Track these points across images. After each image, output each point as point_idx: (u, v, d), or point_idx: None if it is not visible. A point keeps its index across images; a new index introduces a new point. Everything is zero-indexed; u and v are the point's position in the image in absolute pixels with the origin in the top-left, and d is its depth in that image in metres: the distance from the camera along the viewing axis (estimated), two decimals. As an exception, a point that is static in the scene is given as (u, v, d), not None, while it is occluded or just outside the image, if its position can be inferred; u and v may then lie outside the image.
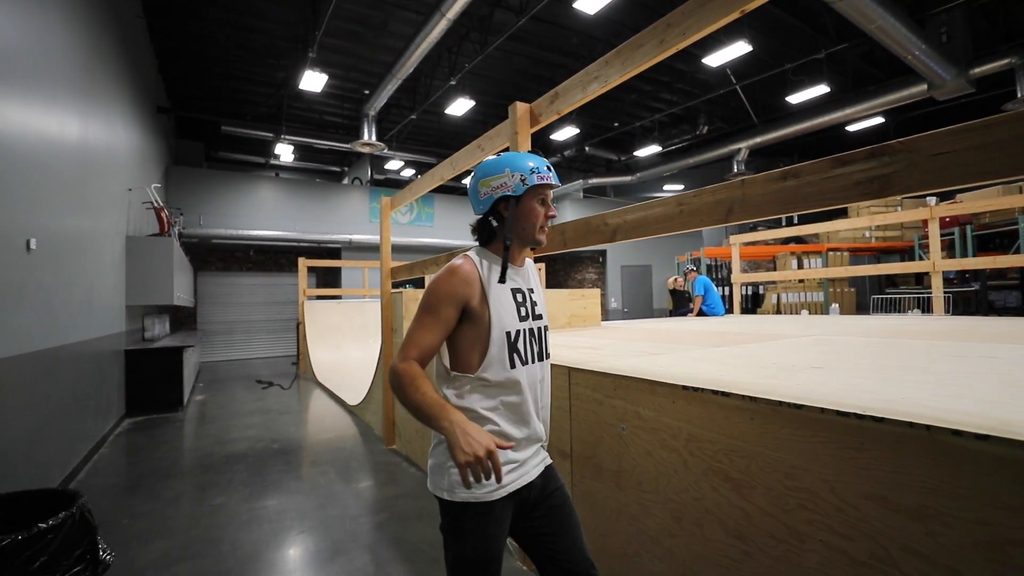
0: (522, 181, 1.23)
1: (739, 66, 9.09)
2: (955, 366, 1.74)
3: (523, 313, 1.26)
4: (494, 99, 10.43)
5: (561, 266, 15.98)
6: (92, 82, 4.40)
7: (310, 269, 11.85)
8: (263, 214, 11.00)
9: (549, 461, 1.33)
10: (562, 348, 2.61)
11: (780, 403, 1.22)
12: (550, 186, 1.26)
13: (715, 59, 8.03)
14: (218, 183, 10.60)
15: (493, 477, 1.05)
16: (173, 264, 6.00)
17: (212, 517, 2.88)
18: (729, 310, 7.96)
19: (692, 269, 7.27)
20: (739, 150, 11.27)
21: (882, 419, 1.03)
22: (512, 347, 1.21)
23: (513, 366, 1.21)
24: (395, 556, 2.42)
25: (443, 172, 2.97)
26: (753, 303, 10.82)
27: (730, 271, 7.02)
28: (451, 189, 15.61)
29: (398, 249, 11.83)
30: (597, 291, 4.50)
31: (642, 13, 7.67)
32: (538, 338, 1.29)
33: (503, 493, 1.17)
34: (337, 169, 14.58)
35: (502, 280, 1.22)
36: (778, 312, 9.92)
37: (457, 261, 1.23)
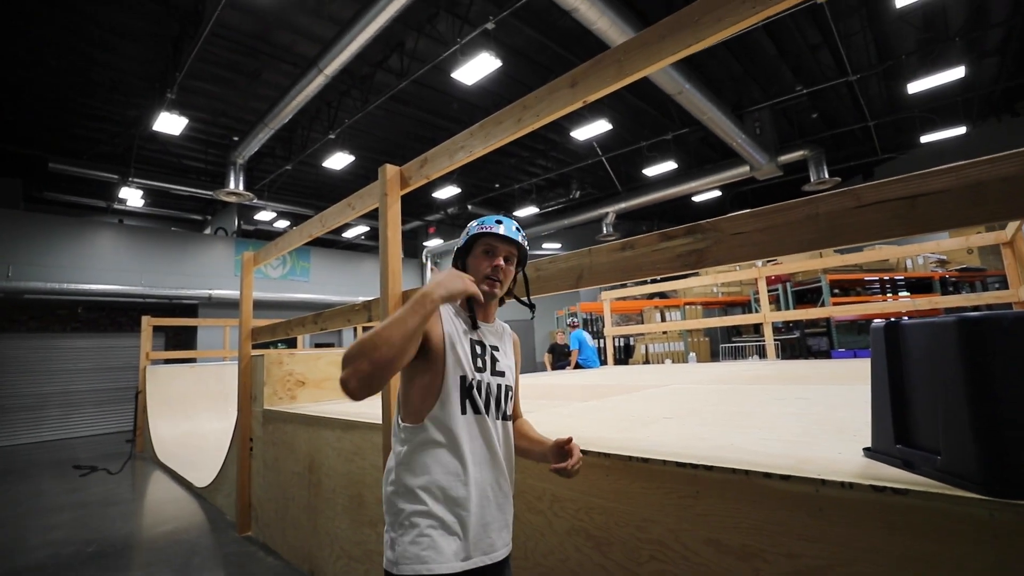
0: (466, 233, 1.30)
1: (603, 140, 10.23)
2: (775, 408, 2.00)
3: (480, 364, 1.21)
4: (376, 155, 10.44)
5: (447, 320, 15.89)
6: None
7: (158, 328, 10.35)
8: (99, 265, 9.51)
9: (510, 548, 1.22)
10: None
11: (630, 458, 1.29)
12: (494, 236, 1.27)
13: (581, 133, 8.96)
14: (40, 228, 9.01)
15: (452, 552, 1.06)
16: (-39, 326, 4.86)
17: (-19, 658, 2.21)
18: (604, 361, 8.47)
19: (572, 323, 7.66)
20: (607, 213, 12.47)
21: (711, 467, 1.14)
22: (466, 392, 1.16)
23: (464, 412, 1.15)
24: (238, 672, 2.05)
25: (311, 229, 2.84)
26: (625, 353, 11.67)
27: (603, 324, 7.56)
28: (330, 242, 14.99)
29: (268, 305, 10.90)
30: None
31: (517, 88, 8.36)
32: (498, 396, 1.22)
33: (458, 568, 1.06)
34: (199, 217, 13.28)
35: (474, 327, 1.23)
36: (647, 361, 10.79)
37: None
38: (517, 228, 1.30)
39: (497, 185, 12.84)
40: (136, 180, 9.17)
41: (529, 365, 14.64)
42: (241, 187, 9.11)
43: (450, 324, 1.20)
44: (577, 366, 6.90)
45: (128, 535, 3.83)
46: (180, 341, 10.91)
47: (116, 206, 11.52)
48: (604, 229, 12.96)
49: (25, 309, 9.21)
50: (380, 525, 2.19)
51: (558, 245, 16.36)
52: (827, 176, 9.79)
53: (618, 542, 1.29)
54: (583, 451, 1.42)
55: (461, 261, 1.31)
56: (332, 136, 8.52)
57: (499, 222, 1.28)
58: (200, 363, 9.08)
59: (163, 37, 6.58)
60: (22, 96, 7.76)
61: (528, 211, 13.08)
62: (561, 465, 1.13)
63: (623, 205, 12.00)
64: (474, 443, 1.15)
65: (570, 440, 1.20)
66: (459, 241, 1.33)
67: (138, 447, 7.43)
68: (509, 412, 1.28)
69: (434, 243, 14.48)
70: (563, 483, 1.45)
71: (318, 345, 10.56)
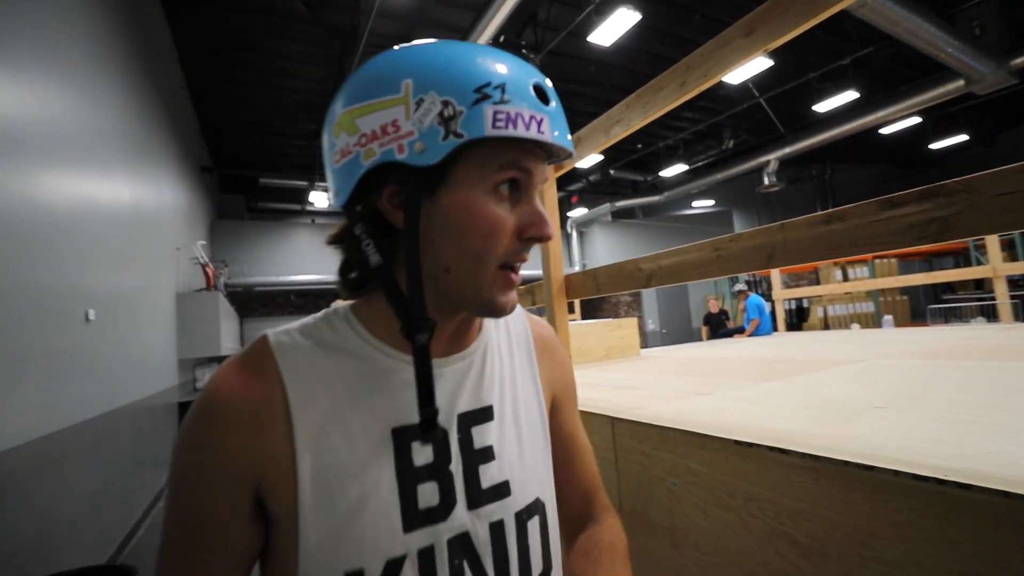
0: (440, 121, 0.44)
1: (761, 80, 8.98)
2: (1039, 399, 1.58)
3: (431, 499, 0.50)
4: (516, 132, 10.60)
5: (594, 290, 15.85)
6: (141, 151, 4.71)
7: (347, 309, 12.15)
8: (300, 259, 11.40)
9: None
10: (602, 388, 2.54)
11: (847, 463, 1.12)
12: (538, 147, 0.50)
13: (735, 76, 7.97)
14: (258, 233, 11.10)
15: None
16: (220, 316, 6.25)
17: None
18: (775, 327, 7.66)
19: (743, 289, 6.93)
20: (768, 161, 11.04)
21: (967, 486, 0.93)
22: None
23: None
24: None
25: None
26: (798, 317, 10.37)
27: (770, 286, 6.74)
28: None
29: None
30: (634, 320, 4.40)
31: (656, 37, 7.73)
32: (493, 555, 0.52)
33: None
34: (368, 210, 15.04)
35: (425, 428, 0.50)
36: (826, 326, 9.47)
37: (223, 373, 0.49)
38: (558, 106, 0.50)
39: (640, 145, 12.18)
40: (319, 184, 10.71)
41: (685, 330, 13.86)
42: (400, 180, 10.06)
43: (327, 458, 0.48)
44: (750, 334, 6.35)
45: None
46: (364, 320, 12.66)
47: (308, 208, 13.61)
48: (765, 179, 11.51)
49: (257, 299, 11.54)
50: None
51: (711, 202, 15.05)
52: (1093, 75, 7.31)
53: (834, 556, 1.15)
54: (775, 448, 1.28)
55: (422, 187, 0.47)
56: (474, 121, 8.87)
57: (538, 91, 0.47)
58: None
59: (329, 56, 7.45)
60: (238, 130, 9.54)
61: (675, 169, 12.19)
62: None
63: (787, 150, 10.49)
64: None
65: None
66: (399, 125, 0.45)
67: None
68: (545, 569, 0.57)
69: (577, 212, 14.39)
70: (758, 481, 1.34)
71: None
